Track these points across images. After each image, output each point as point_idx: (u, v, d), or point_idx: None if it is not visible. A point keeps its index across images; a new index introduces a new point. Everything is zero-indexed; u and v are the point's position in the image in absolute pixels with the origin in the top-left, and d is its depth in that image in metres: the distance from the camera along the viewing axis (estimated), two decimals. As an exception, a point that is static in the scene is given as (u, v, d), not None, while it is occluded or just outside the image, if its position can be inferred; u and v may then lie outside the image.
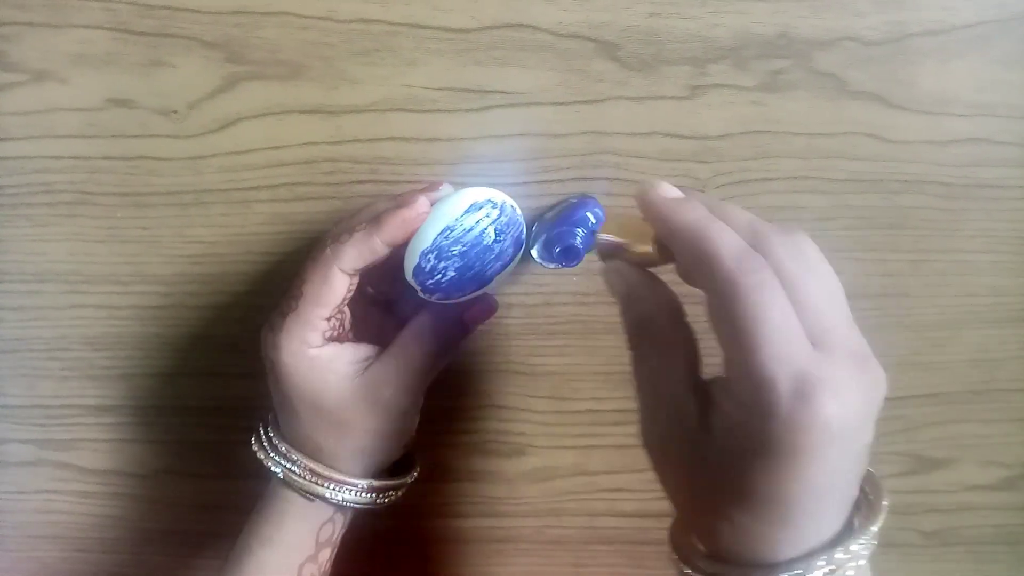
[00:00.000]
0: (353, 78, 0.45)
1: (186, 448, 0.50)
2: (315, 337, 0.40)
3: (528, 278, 0.48)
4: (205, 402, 0.50)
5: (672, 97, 0.45)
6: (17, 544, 0.52)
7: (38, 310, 0.48)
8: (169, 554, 0.52)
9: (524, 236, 0.42)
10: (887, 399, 0.50)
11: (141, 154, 0.46)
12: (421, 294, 0.40)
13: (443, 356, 0.41)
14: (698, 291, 0.31)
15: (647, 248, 0.34)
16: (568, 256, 0.44)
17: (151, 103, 0.45)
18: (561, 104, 0.45)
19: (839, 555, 0.28)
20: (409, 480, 0.44)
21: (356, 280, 0.40)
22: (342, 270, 0.39)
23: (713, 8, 0.44)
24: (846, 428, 0.27)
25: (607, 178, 0.46)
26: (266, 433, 0.42)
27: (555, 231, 0.44)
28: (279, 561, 0.41)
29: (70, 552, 0.52)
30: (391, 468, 0.44)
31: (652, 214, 0.33)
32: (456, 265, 0.39)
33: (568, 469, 0.51)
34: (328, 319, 0.40)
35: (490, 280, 0.40)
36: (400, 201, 0.39)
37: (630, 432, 0.48)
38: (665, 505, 0.33)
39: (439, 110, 0.45)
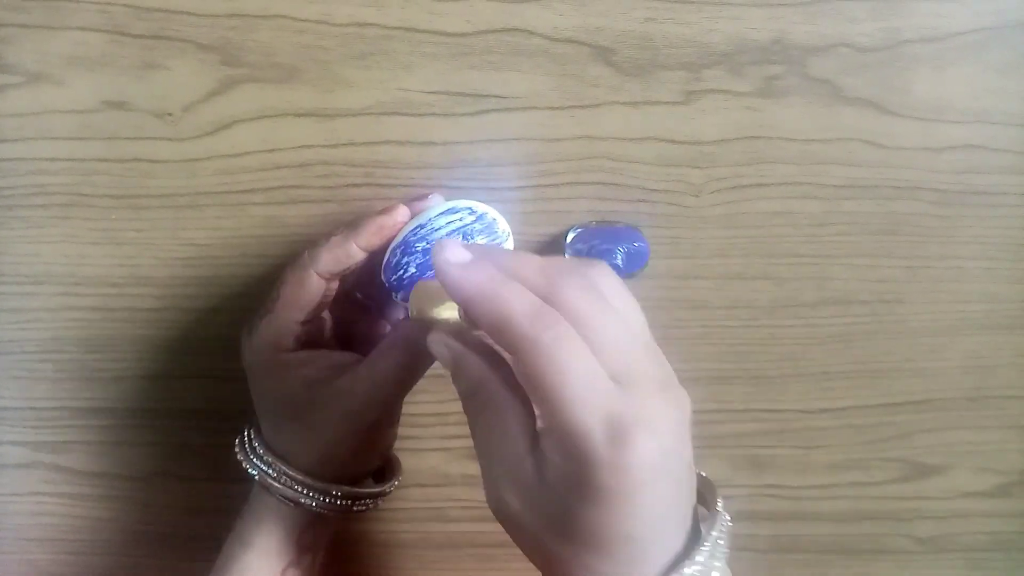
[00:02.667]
0: (348, 82, 0.45)
1: (180, 451, 0.50)
2: (289, 340, 0.40)
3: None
4: (199, 405, 0.50)
5: (667, 102, 0.46)
6: (9, 546, 0.51)
7: (32, 312, 0.48)
8: (162, 557, 0.52)
9: None
10: (881, 405, 0.50)
11: (136, 156, 0.46)
12: (392, 293, 0.40)
13: (415, 372, 0.40)
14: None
15: (454, 315, 0.34)
16: None
17: (146, 105, 0.45)
18: (556, 109, 0.45)
19: (687, 570, 0.29)
20: (388, 489, 0.44)
21: (334, 286, 0.40)
22: (318, 274, 0.39)
23: (708, 14, 0.44)
24: (667, 456, 0.28)
25: (602, 183, 0.46)
26: (248, 435, 0.42)
27: (600, 246, 0.45)
28: (259, 565, 0.40)
29: (63, 554, 0.52)
30: (374, 475, 0.44)
31: (443, 282, 0.32)
32: (417, 262, 0.39)
33: (562, 474, 0.51)
34: (303, 323, 0.40)
35: None
36: (382, 210, 0.39)
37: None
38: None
39: (434, 114, 0.45)
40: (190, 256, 0.47)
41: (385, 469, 0.45)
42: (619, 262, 0.46)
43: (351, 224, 0.40)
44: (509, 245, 0.40)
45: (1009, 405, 0.51)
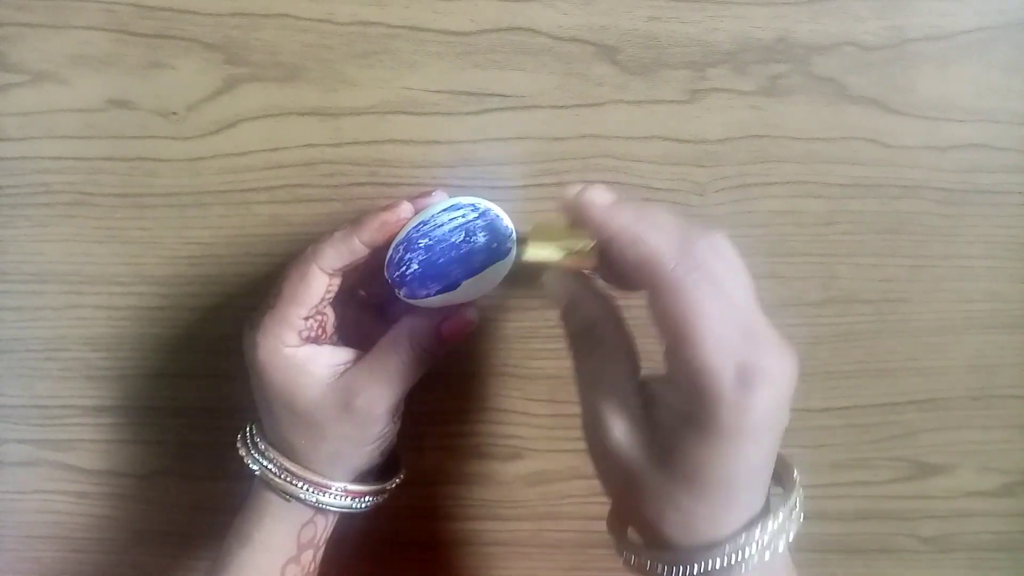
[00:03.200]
0: (352, 80, 0.45)
1: (183, 449, 0.50)
2: (292, 336, 0.40)
3: (526, 281, 0.48)
4: (203, 403, 0.50)
5: (671, 101, 0.45)
6: (14, 544, 0.52)
7: (37, 310, 0.48)
8: (165, 555, 0.52)
9: (510, 248, 0.40)
10: (885, 404, 0.50)
11: (140, 155, 0.46)
12: (395, 290, 0.40)
13: (419, 366, 0.40)
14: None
15: (582, 252, 0.36)
16: None
17: (150, 104, 0.45)
18: (560, 107, 0.45)
19: (771, 524, 0.31)
20: (388, 487, 0.44)
21: (337, 281, 0.40)
22: (321, 269, 0.39)
23: (712, 13, 0.44)
24: (779, 411, 0.31)
25: (606, 182, 0.46)
26: (250, 431, 0.43)
27: None
28: (260, 561, 0.41)
29: (67, 552, 0.52)
30: (375, 472, 0.44)
31: (587, 220, 0.34)
32: (420, 258, 0.39)
33: (565, 472, 0.51)
34: (306, 318, 0.40)
35: (457, 283, 0.40)
36: (385, 206, 0.40)
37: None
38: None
39: (438, 113, 0.45)
40: (194, 255, 0.47)
41: (388, 466, 0.45)
42: None
43: (355, 220, 0.40)
44: (511, 243, 0.40)
45: (1013, 404, 0.51)
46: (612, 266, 0.35)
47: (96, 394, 0.49)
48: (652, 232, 0.32)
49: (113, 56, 0.44)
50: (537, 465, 0.51)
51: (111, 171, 0.46)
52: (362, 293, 0.44)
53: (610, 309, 0.35)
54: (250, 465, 0.41)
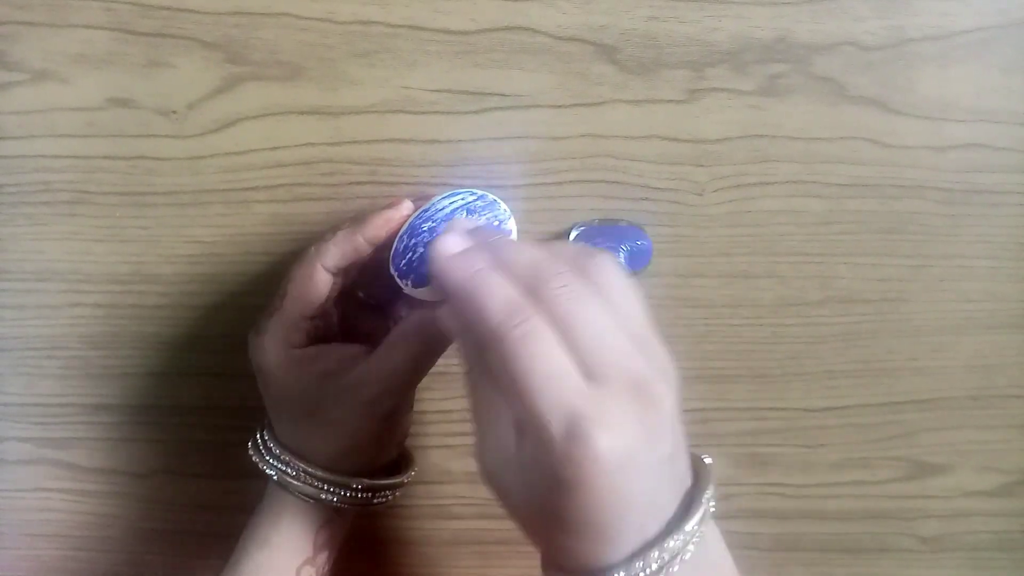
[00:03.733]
0: (352, 79, 0.45)
1: (184, 448, 0.50)
2: (299, 337, 0.40)
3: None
4: (203, 402, 0.50)
5: (671, 101, 0.45)
6: (14, 542, 0.52)
7: (37, 309, 0.48)
8: (166, 554, 0.52)
9: (511, 230, 0.40)
10: (885, 404, 0.50)
11: (141, 154, 0.46)
12: (400, 283, 0.40)
13: (429, 359, 0.40)
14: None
15: None
16: None
17: (151, 103, 0.45)
18: (560, 107, 0.45)
19: (654, 553, 0.29)
20: (405, 480, 0.44)
21: (340, 281, 0.40)
22: (325, 268, 0.39)
23: (712, 12, 0.44)
24: (630, 454, 0.29)
25: (605, 181, 0.46)
26: (262, 436, 0.42)
27: (603, 244, 0.46)
28: (276, 563, 0.41)
29: (67, 550, 0.52)
30: (387, 468, 0.44)
31: (432, 272, 0.33)
32: (425, 241, 0.39)
33: (565, 472, 0.51)
34: (312, 318, 0.40)
35: None
36: (387, 204, 0.40)
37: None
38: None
39: (438, 112, 0.45)
40: (194, 253, 0.47)
41: (399, 461, 0.45)
42: (622, 261, 0.46)
43: (356, 218, 0.40)
44: (511, 224, 0.40)
45: (1013, 404, 0.51)
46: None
47: (96, 392, 0.49)
48: (484, 285, 0.31)
49: (113, 55, 0.45)
50: (536, 464, 0.51)
51: (111, 170, 0.46)
52: (360, 295, 0.44)
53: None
54: (266, 471, 0.41)
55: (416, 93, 0.45)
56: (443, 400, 0.49)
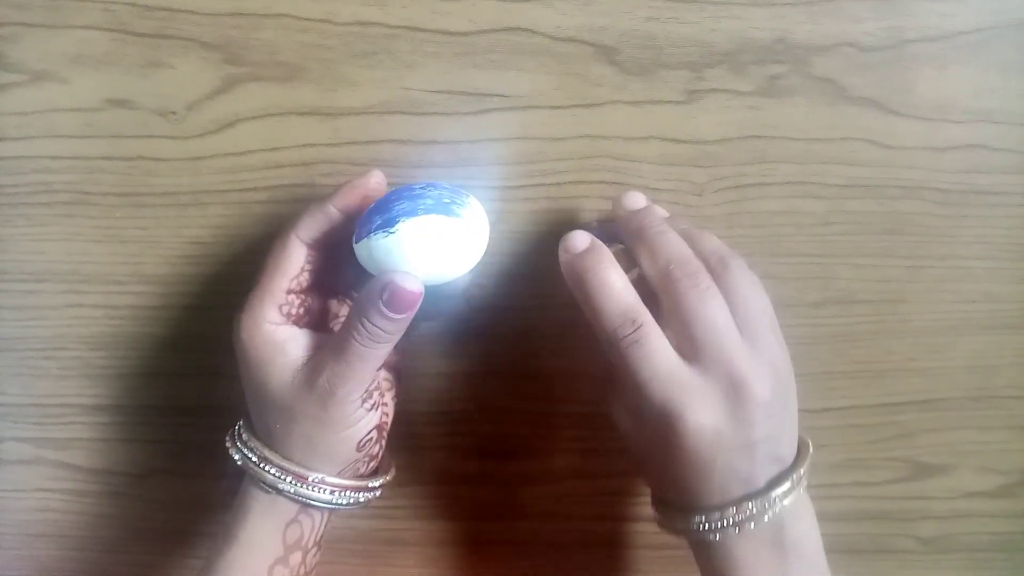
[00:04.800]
0: (351, 80, 0.45)
1: (182, 448, 0.50)
2: (274, 312, 0.40)
3: (527, 281, 0.48)
4: (201, 402, 0.50)
5: (670, 101, 0.46)
6: (13, 542, 0.52)
7: (36, 309, 0.48)
8: (164, 554, 0.52)
9: (462, 214, 0.38)
10: (884, 405, 0.50)
11: (139, 155, 0.46)
12: (353, 246, 0.39)
13: (376, 346, 0.38)
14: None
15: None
16: None
17: (150, 104, 0.45)
18: (559, 108, 0.45)
19: (749, 504, 0.37)
20: (372, 484, 0.43)
21: (317, 256, 0.40)
22: (299, 238, 0.40)
23: (711, 13, 0.44)
24: (715, 432, 0.36)
25: (604, 182, 0.46)
26: (238, 426, 0.43)
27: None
28: (245, 561, 0.40)
29: (66, 550, 0.52)
30: (367, 475, 0.43)
31: (563, 268, 0.40)
32: (376, 203, 0.38)
33: (564, 472, 0.51)
34: (288, 292, 0.40)
35: (395, 219, 0.37)
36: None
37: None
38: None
39: (437, 113, 0.45)
40: (193, 254, 0.47)
41: (381, 469, 0.45)
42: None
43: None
44: (470, 223, 0.38)
45: (1012, 405, 0.50)
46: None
47: (95, 393, 0.49)
48: (602, 290, 0.38)
49: (112, 56, 0.45)
50: (537, 465, 0.51)
51: (110, 170, 0.46)
52: (355, 294, 0.44)
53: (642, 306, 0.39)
54: (233, 456, 0.41)
55: (415, 94, 0.45)
56: (440, 402, 0.49)
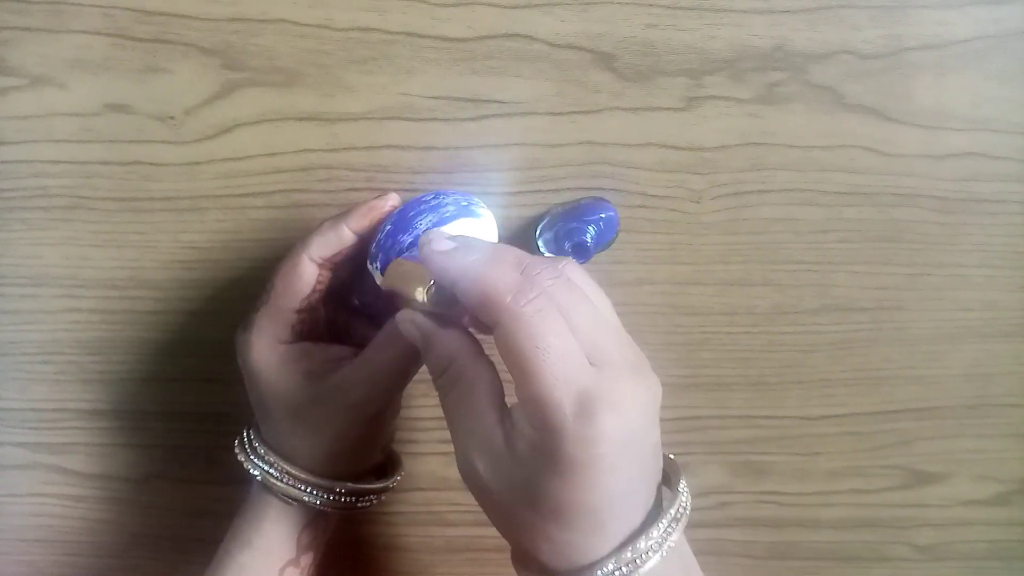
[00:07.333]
0: (350, 86, 0.45)
1: (179, 453, 0.50)
2: (285, 332, 0.40)
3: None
4: (198, 407, 0.50)
5: (668, 108, 0.46)
6: (8, 547, 0.52)
7: (32, 314, 0.48)
8: (161, 559, 0.52)
9: (482, 214, 0.40)
10: (881, 412, 0.50)
11: (137, 159, 0.46)
12: (369, 267, 0.39)
13: (415, 361, 0.40)
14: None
15: (422, 295, 0.35)
16: (578, 253, 0.44)
17: (148, 109, 0.45)
18: (557, 114, 0.45)
19: (641, 543, 0.31)
20: (390, 485, 0.44)
21: (327, 275, 0.40)
22: (311, 258, 0.39)
23: (710, 20, 0.44)
24: (631, 435, 0.31)
25: (602, 188, 0.46)
26: (248, 435, 0.42)
27: (567, 226, 0.44)
28: (259, 565, 0.40)
29: (62, 556, 0.52)
30: (374, 472, 0.44)
31: (431, 268, 0.34)
32: (393, 219, 0.39)
33: (561, 479, 0.51)
34: (298, 311, 0.40)
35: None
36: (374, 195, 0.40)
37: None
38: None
39: (435, 119, 0.45)
40: (191, 259, 0.47)
41: (387, 465, 0.45)
42: (589, 238, 0.44)
43: (343, 211, 0.40)
44: (490, 221, 0.40)
45: (1009, 413, 0.51)
46: (467, 310, 0.34)
47: (91, 398, 0.49)
48: (491, 268, 0.32)
49: (111, 60, 0.45)
50: (533, 471, 0.51)
51: (108, 175, 0.46)
52: (356, 302, 0.44)
53: (465, 344, 0.34)
54: (250, 471, 0.41)
55: (413, 100, 0.45)
56: (438, 407, 0.49)
